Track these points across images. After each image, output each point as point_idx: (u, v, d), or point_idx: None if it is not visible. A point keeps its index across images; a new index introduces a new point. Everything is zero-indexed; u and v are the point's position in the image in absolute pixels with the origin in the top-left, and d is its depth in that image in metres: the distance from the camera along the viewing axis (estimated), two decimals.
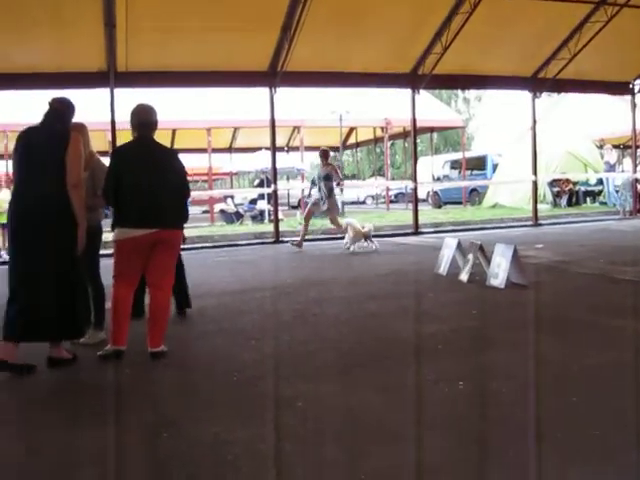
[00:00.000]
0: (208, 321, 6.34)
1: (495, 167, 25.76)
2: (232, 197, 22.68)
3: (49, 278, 4.76)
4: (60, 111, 4.98)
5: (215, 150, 24.78)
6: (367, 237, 11.60)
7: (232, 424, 3.65)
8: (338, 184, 13.74)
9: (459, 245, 8.35)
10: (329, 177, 12.69)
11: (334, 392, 4.14)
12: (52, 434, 3.62)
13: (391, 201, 29.70)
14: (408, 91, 15.20)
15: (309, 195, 16.05)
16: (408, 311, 6.47)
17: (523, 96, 18.03)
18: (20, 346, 4.68)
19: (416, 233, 15.27)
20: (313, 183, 15.95)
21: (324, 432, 3.50)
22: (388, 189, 30.06)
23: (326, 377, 4.44)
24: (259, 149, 22.78)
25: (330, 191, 12.64)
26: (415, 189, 16.10)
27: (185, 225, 5.32)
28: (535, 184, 17.13)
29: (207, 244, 14.32)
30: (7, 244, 4.95)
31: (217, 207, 21.25)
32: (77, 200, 4.83)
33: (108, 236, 5.39)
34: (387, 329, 5.71)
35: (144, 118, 5.15)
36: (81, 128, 5.38)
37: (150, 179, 4.98)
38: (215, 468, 3.11)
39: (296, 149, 26.96)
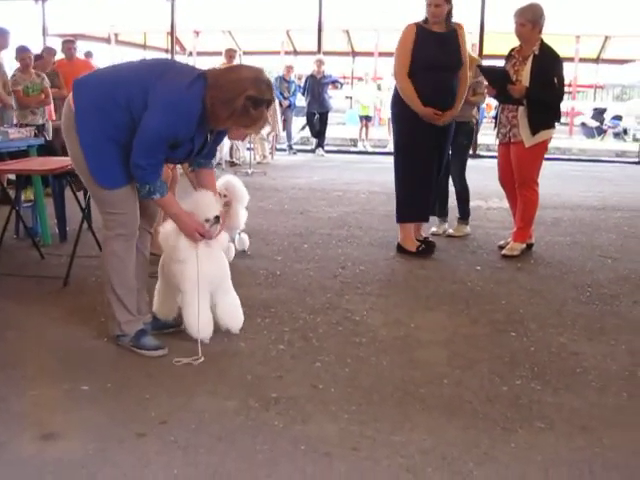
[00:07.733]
0: (561, 232, 6.15)
1: None
2: (604, 111, 20.85)
3: (440, 171, 5.19)
4: None
5: (582, 60, 23.02)
6: None
7: (579, 337, 3.54)
8: None
9: None
10: None
11: None
12: (411, 312, 3.90)
13: None
14: None
15: None
16: None
17: None
18: None
19: None
20: None
21: None
22: None
23: None
24: (631, 61, 20.59)
25: None
26: None
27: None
28: None
29: (564, 156, 13.74)
30: (400, 137, 5.11)
31: (578, 120, 20.01)
32: None
33: None
34: None
35: None
36: None
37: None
38: (563, 376, 3.03)
39: None
